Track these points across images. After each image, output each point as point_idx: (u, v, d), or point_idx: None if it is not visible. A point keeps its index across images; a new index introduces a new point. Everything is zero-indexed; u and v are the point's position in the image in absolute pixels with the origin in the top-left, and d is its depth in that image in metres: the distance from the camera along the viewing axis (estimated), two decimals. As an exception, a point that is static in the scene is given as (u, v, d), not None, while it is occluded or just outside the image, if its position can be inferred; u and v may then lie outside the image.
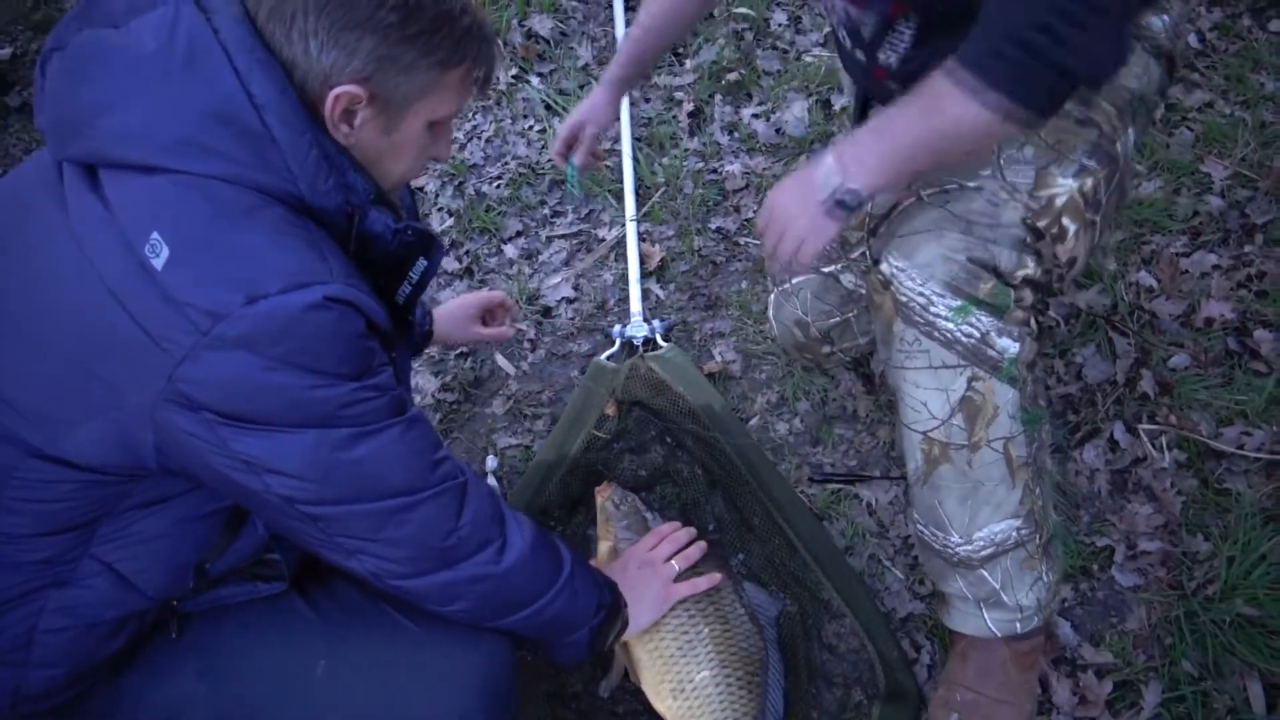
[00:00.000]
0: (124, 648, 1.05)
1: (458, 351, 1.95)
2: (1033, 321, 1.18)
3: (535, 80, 2.42)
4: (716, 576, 1.36)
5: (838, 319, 1.55)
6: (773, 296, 1.66)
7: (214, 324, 0.82)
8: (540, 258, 2.10)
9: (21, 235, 0.92)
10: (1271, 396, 1.60)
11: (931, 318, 1.14)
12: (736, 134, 2.23)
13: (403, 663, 1.08)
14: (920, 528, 1.29)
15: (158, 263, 0.82)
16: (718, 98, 2.30)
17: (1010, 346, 1.15)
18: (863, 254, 1.51)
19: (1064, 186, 1.13)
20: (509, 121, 2.36)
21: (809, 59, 2.34)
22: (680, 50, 2.42)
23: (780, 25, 2.42)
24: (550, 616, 1.11)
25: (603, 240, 2.09)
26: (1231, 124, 1.98)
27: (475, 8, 0.98)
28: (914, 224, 1.17)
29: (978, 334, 1.14)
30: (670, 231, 2.08)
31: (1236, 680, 1.36)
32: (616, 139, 2.20)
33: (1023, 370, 1.17)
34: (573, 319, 1.98)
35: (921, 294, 1.14)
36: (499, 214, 2.18)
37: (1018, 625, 1.27)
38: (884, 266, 1.18)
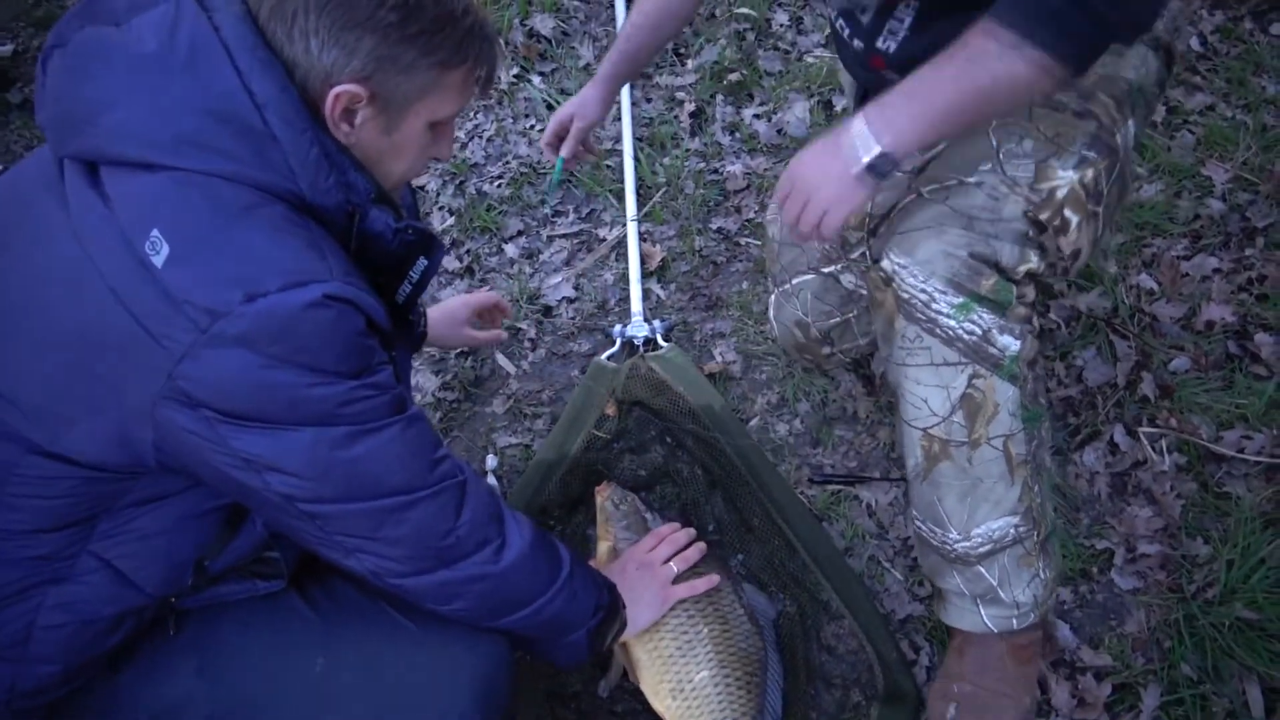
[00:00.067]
0: (122, 644, 1.05)
1: (458, 351, 1.95)
2: (1034, 319, 1.18)
3: (537, 80, 2.42)
4: (715, 578, 1.36)
5: (838, 319, 1.55)
6: (773, 297, 1.66)
7: (213, 322, 0.82)
8: (541, 257, 2.10)
9: (22, 232, 0.92)
10: (1272, 400, 1.60)
11: (933, 314, 1.14)
12: (738, 134, 2.23)
13: (400, 662, 1.08)
14: (919, 524, 1.29)
15: (157, 260, 0.82)
16: (719, 98, 2.30)
17: (1011, 344, 1.15)
18: (863, 254, 1.51)
19: (1064, 178, 1.13)
20: (510, 121, 2.36)
21: (810, 60, 2.34)
22: (682, 50, 2.42)
23: (782, 26, 2.42)
24: (548, 616, 1.11)
25: (604, 240, 2.09)
26: (1233, 127, 1.98)
27: (477, 7, 0.97)
28: (914, 220, 1.16)
29: (979, 331, 1.14)
30: (671, 231, 2.08)
31: (1236, 684, 1.36)
32: (618, 139, 2.20)
33: (1023, 368, 1.17)
34: (573, 318, 1.98)
35: (923, 290, 1.14)
36: (500, 213, 2.18)
37: (1014, 621, 1.27)
38: (885, 263, 1.17)
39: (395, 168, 1.01)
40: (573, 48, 2.48)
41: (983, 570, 1.25)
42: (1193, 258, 1.82)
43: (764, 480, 1.57)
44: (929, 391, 1.18)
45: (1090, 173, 1.14)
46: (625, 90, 2.22)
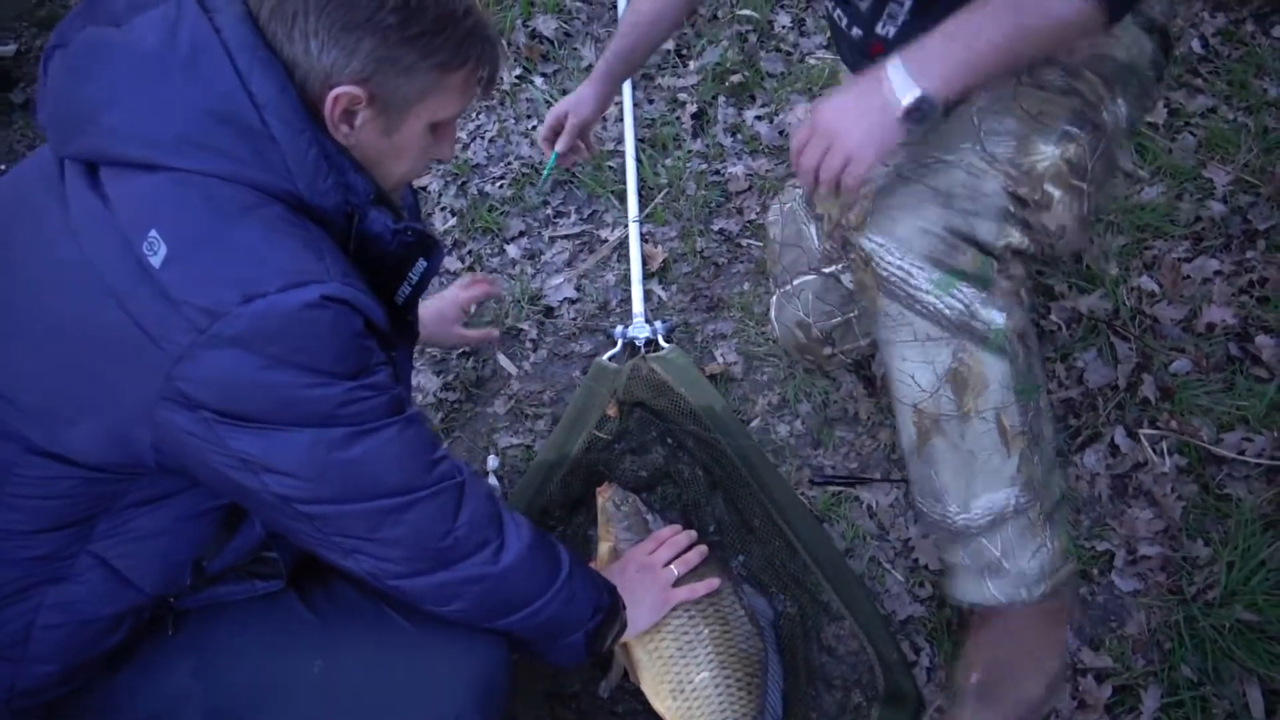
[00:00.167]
0: (121, 644, 1.05)
1: (460, 351, 1.95)
2: (1022, 292, 1.15)
3: (539, 80, 2.42)
4: (714, 582, 1.36)
5: (839, 319, 1.56)
6: (775, 298, 1.66)
7: (211, 322, 0.82)
8: (543, 258, 2.10)
9: (22, 232, 0.92)
10: (1273, 402, 1.61)
11: (913, 291, 1.13)
12: (739, 136, 2.23)
13: (398, 663, 1.08)
14: (920, 502, 1.27)
15: (155, 260, 0.82)
16: (721, 99, 2.30)
17: (997, 318, 1.12)
18: None
19: (1046, 154, 1.11)
20: (512, 121, 2.37)
21: (812, 61, 2.34)
22: (684, 51, 2.43)
23: (784, 27, 2.42)
24: (547, 618, 1.11)
25: (605, 241, 2.10)
26: (1234, 129, 1.98)
27: (479, 9, 0.97)
28: (892, 200, 1.15)
29: (961, 306, 1.12)
30: (673, 233, 2.08)
31: (1236, 686, 1.37)
32: (620, 140, 2.20)
33: (1013, 341, 1.14)
34: (575, 319, 1.98)
35: (901, 268, 1.12)
36: (502, 214, 2.18)
37: (1023, 592, 1.23)
38: (864, 243, 1.16)
39: (395, 169, 1.00)
40: (575, 49, 2.48)
41: (985, 543, 1.22)
42: (1194, 260, 1.82)
43: (765, 481, 1.57)
44: (915, 367, 1.17)
45: (1073, 148, 1.12)
46: (627, 91, 2.23)
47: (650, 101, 2.33)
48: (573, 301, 2.01)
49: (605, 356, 1.79)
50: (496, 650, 1.10)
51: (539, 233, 2.15)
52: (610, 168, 2.20)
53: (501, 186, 2.23)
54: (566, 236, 2.13)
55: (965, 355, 1.14)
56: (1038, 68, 1.15)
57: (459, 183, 2.27)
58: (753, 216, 2.07)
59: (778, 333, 1.67)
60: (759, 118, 2.25)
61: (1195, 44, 2.15)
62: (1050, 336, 1.75)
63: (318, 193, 0.90)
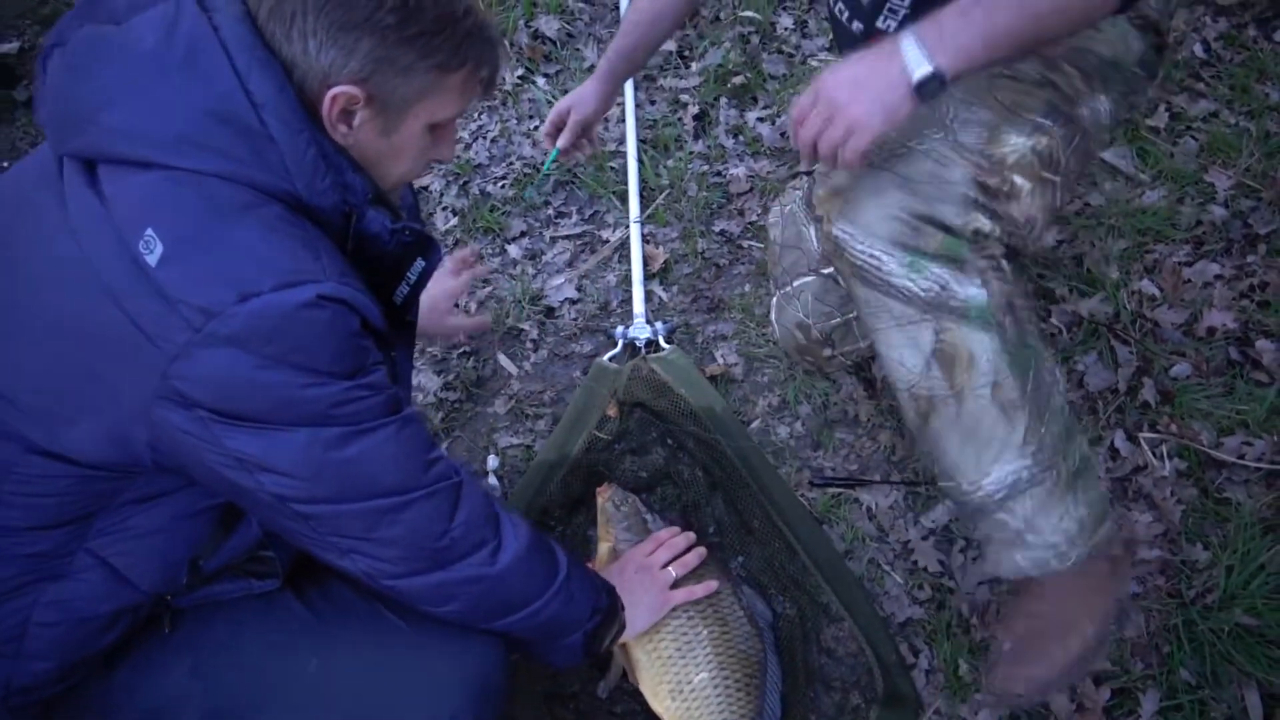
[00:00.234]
0: (117, 642, 1.05)
1: (460, 350, 1.96)
2: (1004, 264, 1.13)
3: (541, 81, 2.42)
4: (712, 584, 1.36)
5: (838, 320, 1.56)
6: (775, 300, 1.67)
7: (207, 321, 0.82)
8: (544, 258, 2.10)
9: (22, 231, 0.92)
10: (1273, 407, 1.60)
11: (885, 276, 1.12)
12: (741, 137, 2.23)
13: (394, 663, 1.08)
14: (940, 480, 1.25)
15: (151, 259, 0.82)
16: (723, 101, 2.30)
17: (975, 293, 1.11)
18: None
19: (1015, 145, 1.10)
20: (514, 122, 2.37)
21: (815, 63, 2.34)
22: (686, 53, 2.43)
23: (786, 29, 2.42)
24: (544, 619, 1.11)
25: (606, 241, 2.10)
26: (1236, 134, 1.98)
27: (479, 9, 0.97)
28: (858, 188, 1.14)
29: (936, 286, 1.11)
30: (674, 234, 2.09)
31: (1234, 690, 1.37)
32: (621, 140, 2.21)
33: (998, 314, 1.13)
34: (575, 319, 1.98)
35: (871, 255, 1.12)
36: (503, 214, 2.18)
37: (1053, 561, 1.21)
38: (833, 231, 1.15)
39: (394, 169, 1.00)
40: (577, 49, 2.49)
41: (1005, 517, 1.20)
42: (1195, 264, 1.82)
43: (765, 482, 1.57)
44: (901, 351, 1.16)
45: (1044, 140, 1.12)
46: (629, 92, 2.23)
47: (652, 102, 2.33)
48: (574, 302, 2.01)
49: (606, 357, 1.79)
50: (493, 650, 1.10)
51: (540, 233, 2.15)
52: (612, 168, 2.20)
53: (503, 187, 2.23)
54: (568, 237, 2.13)
55: (947, 334, 1.13)
56: (1015, 60, 1.14)
57: (461, 183, 2.27)
58: (754, 218, 2.07)
59: (778, 334, 1.67)
60: (761, 119, 2.25)
61: (1197, 48, 2.15)
62: (1051, 340, 1.75)
63: (316, 192, 0.90)
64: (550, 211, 2.19)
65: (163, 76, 0.86)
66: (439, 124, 1.00)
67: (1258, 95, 2.05)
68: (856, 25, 1.27)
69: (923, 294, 1.12)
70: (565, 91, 2.37)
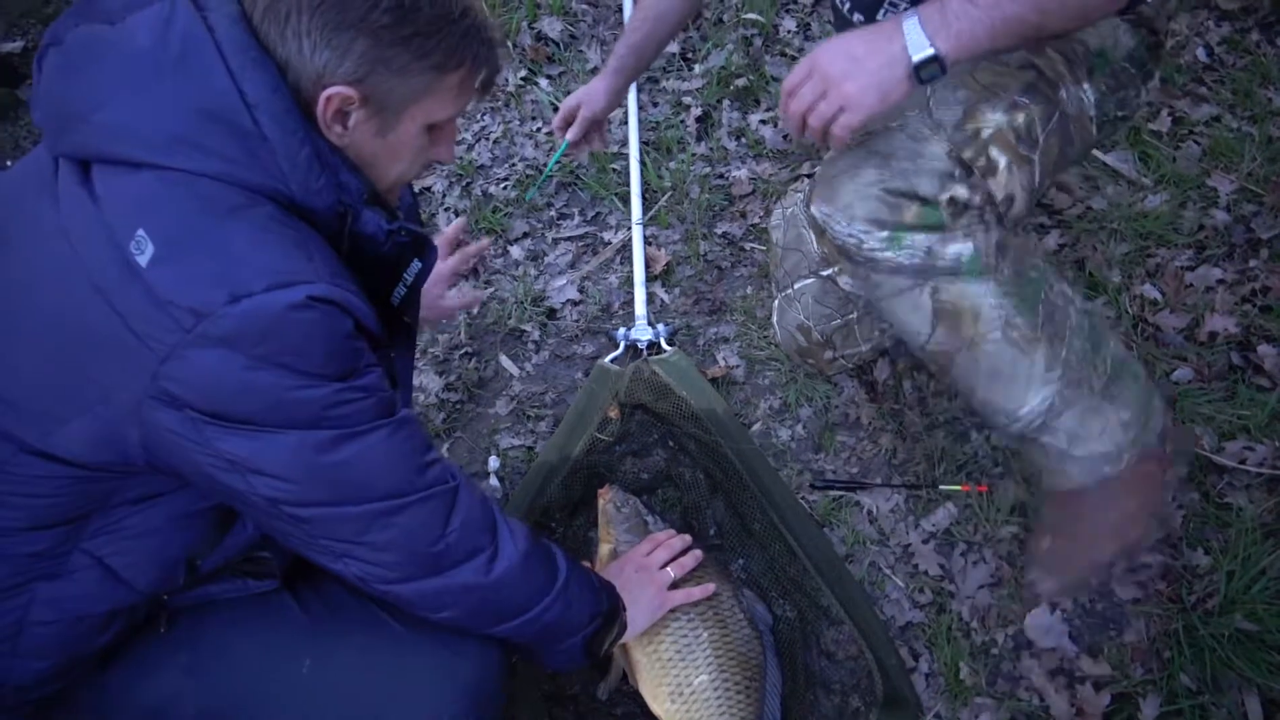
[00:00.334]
0: (113, 642, 1.04)
1: (462, 351, 1.96)
2: (986, 213, 1.12)
3: (544, 83, 2.43)
4: (710, 587, 1.36)
5: (838, 321, 1.56)
6: (777, 302, 1.67)
7: (197, 322, 0.82)
8: (546, 259, 2.10)
9: (19, 230, 0.92)
10: (1274, 412, 1.60)
11: (868, 254, 1.12)
12: (744, 140, 2.23)
13: (389, 665, 1.07)
14: (977, 414, 1.27)
15: (142, 260, 0.82)
16: (726, 103, 2.30)
17: (963, 249, 1.11)
18: None
19: (991, 120, 1.10)
20: (517, 123, 2.37)
21: (817, 66, 2.34)
22: (689, 55, 2.43)
23: (789, 32, 2.43)
24: (543, 625, 1.10)
25: (609, 243, 2.10)
26: (1239, 139, 1.98)
27: (478, 9, 0.96)
28: (834, 167, 1.14)
29: (921, 253, 1.11)
30: (676, 236, 2.09)
31: (1235, 695, 1.37)
32: (624, 143, 2.21)
33: (990, 259, 1.13)
34: (577, 321, 1.98)
35: (851, 235, 1.12)
36: (505, 215, 2.18)
37: (1105, 468, 1.23)
38: (814, 211, 1.15)
39: (391, 169, 1.00)
40: (580, 51, 2.49)
41: (1049, 440, 1.23)
42: (1196, 268, 1.82)
43: (765, 485, 1.57)
44: (908, 317, 1.17)
45: (1021, 117, 1.11)
46: (632, 94, 2.23)
47: (655, 105, 2.34)
48: (575, 303, 2.01)
49: (607, 359, 1.80)
50: (490, 654, 1.10)
51: (542, 234, 2.15)
52: (614, 170, 2.20)
53: (505, 188, 2.24)
54: (570, 238, 2.14)
55: (944, 293, 1.14)
56: None
57: (463, 184, 2.27)
58: (756, 220, 2.08)
59: (779, 337, 1.67)
60: (763, 122, 2.25)
61: (1200, 52, 2.15)
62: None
63: (310, 193, 0.89)
64: (552, 213, 2.19)
65: (156, 76, 0.85)
66: (437, 124, 0.99)
67: (1260, 100, 2.05)
68: (858, 17, 1.27)
69: (909, 263, 1.12)
70: (568, 93, 2.37)
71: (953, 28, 1.01)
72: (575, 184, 2.22)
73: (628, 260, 2.03)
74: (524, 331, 1.97)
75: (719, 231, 2.07)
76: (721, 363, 1.86)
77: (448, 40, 0.92)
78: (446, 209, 2.23)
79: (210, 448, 0.87)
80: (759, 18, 2.43)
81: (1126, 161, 1.98)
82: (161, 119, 0.85)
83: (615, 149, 2.23)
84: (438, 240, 1.53)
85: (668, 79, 2.37)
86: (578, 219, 2.17)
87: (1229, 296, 1.76)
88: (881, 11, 1.21)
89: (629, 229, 2.07)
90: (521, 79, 2.43)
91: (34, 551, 0.96)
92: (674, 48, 2.40)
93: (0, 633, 0.98)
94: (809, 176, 2.06)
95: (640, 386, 1.70)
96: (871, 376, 1.77)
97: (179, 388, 0.84)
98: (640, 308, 1.89)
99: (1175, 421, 1.29)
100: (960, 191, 1.09)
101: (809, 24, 2.45)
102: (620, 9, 2.53)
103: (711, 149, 2.23)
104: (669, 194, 2.14)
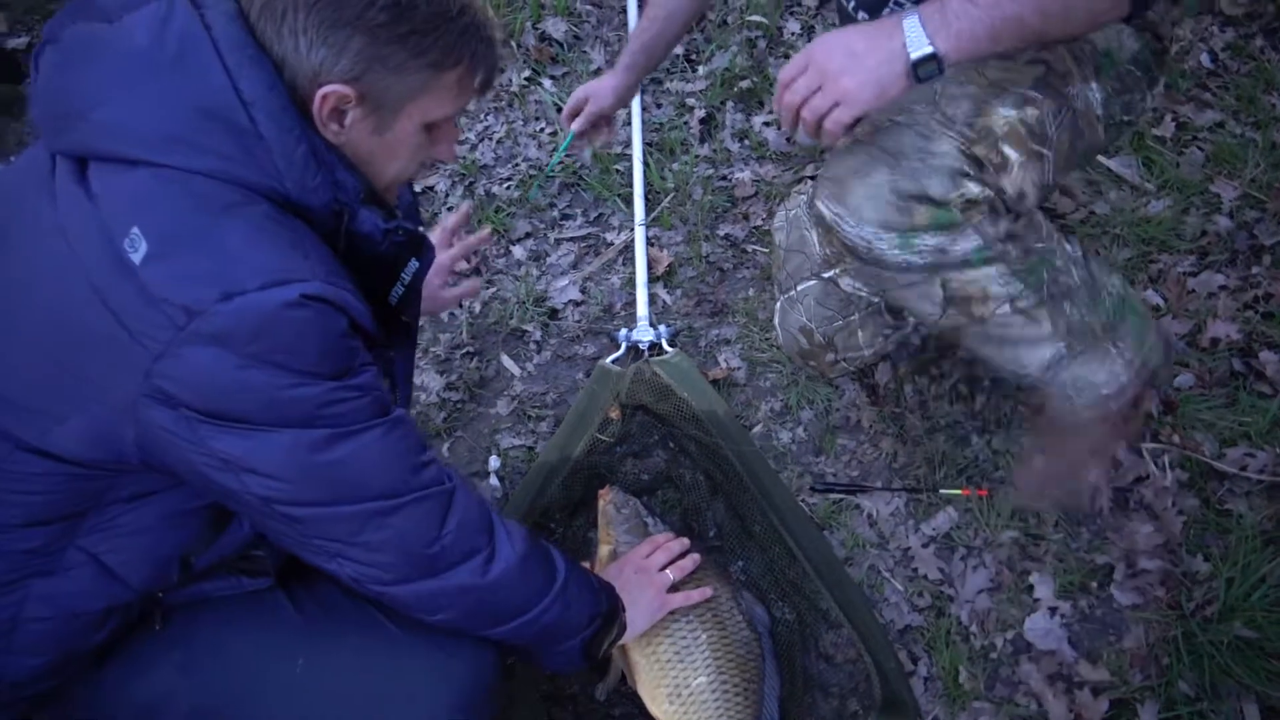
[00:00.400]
0: (107, 639, 1.04)
1: (464, 351, 1.96)
2: (996, 206, 1.12)
3: (548, 83, 2.43)
4: (708, 591, 1.35)
5: (840, 323, 1.56)
6: (779, 304, 1.66)
7: (190, 320, 0.81)
8: (548, 260, 2.10)
9: (17, 227, 0.92)
10: (1275, 418, 1.60)
11: (878, 255, 1.12)
12: (747, 142, 2.23)
13: (383, 666, 1.07)
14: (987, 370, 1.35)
15: (136, 257, 0.82)
16: (729, 105, 2.30)
17: (971, 243, 1.11)
18: None
19: (1003, 115, 1.10)
20: (520, 123, 2.37)
21: (821, 68, 2.34)
22: (693, 56, 2.43)
23: (793, 34, 2.42)
24: (540, 627, 1.09)
25: (611, 244, 2.10)
26: (1242, 145, 1.98)
27: (477, 7, 0.95)
28: (843, 166, 1.13)
29: (932, 252, 1.11)
30: (679, 237, 2.09)
31: (1233, 702, 1.37)
32: (628, 144, 2.21)
33: (998, 246, 1.13)
34: (579, 321, 1.98)
35: (861, 237, 1.12)
36: (508, 215, 2.18)
37: (1110, 404, 1.30)
38: (821, 210, 1.14)
39: (388, 168, 0.99)
40: (584, 51, 2.49)
41: (1055, 387, 1.28)
42: (1199, 274, 1.82)
43: (766, 487, 1.57)
44: (918, 304, 1.19)
45: (1032, 111, 1.11)
46: (636, 95, 2.23)
47: (659, 106, 2.34)
48: (577, 304, 2.01)
49: (609, 359, 1.80)
50: (484, 655, 1.09)
51: (545, 235, 2.15)
52: (617, 171, 2.20)
53: (508, 188, 2.24)
54: (572, 239, 2.14)
55: (955, 282, 1.15)
56: None
57: (466, 183, 2.27)
58: (759, 222, 2.08)
59: (781, 339, 1.67)
60: (767, 124, 2.25)
61: (1204, 58, 2.15)
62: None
63: (306, 190, 0.89)
64: (555, 213, 2.19)
65: (153, 74, 0.85)
66: (435, 123, 0.98)
67: (1264, 106, 2.04)
68: (862, 15, 1.27)
69: (920, 261, 1.12)
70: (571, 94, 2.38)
71: (953, 27, 1.00)
72: (578, 184, 2.22)
73: (630, 261, 2.03)
74: (526, 331, 1.97)
75: (721, 233, 2.07)
76: (723, 364, 1.86)
77: (445, 38, 0.92)
78: (449, 208, 2.23)
79: (204, 446, 0.87)
80: (763, 20, 2.42)
81: (1130, 167, 1.98)
82: (157, 117, 0.85)
83: (618, 150, 2.23)
84: (439, 229, 1.51)
85: (671, 80, 2.37)
86: (580, 219, 2.17)
87: (1231, 303, 1.76)
88: (887, 10, 1.21)
89: (631, 230, 2.07)
90: (525, 79, 2.43)
91: (29, 548, 0.96)
92: (678, 49, 2.40)
93: None
94: (812, 179, 2.06)
95: (641, 387, 1.70)
96: (873, 380, 1.77)
97: (173, 386, 0.84)
98: (642, 309, 1.90)
99: (1166, 344, 1.41)
100: (972, 189, 1.09)
101: (813, 26, 2.45)
102: (624, 10, 2.52)
103: (715, 150, 2.23)
104: (672, 195, 2.14)
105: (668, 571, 1.35)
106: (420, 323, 1.49)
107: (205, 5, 0.87)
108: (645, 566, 1.34)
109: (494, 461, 1.79)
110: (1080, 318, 1.24)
